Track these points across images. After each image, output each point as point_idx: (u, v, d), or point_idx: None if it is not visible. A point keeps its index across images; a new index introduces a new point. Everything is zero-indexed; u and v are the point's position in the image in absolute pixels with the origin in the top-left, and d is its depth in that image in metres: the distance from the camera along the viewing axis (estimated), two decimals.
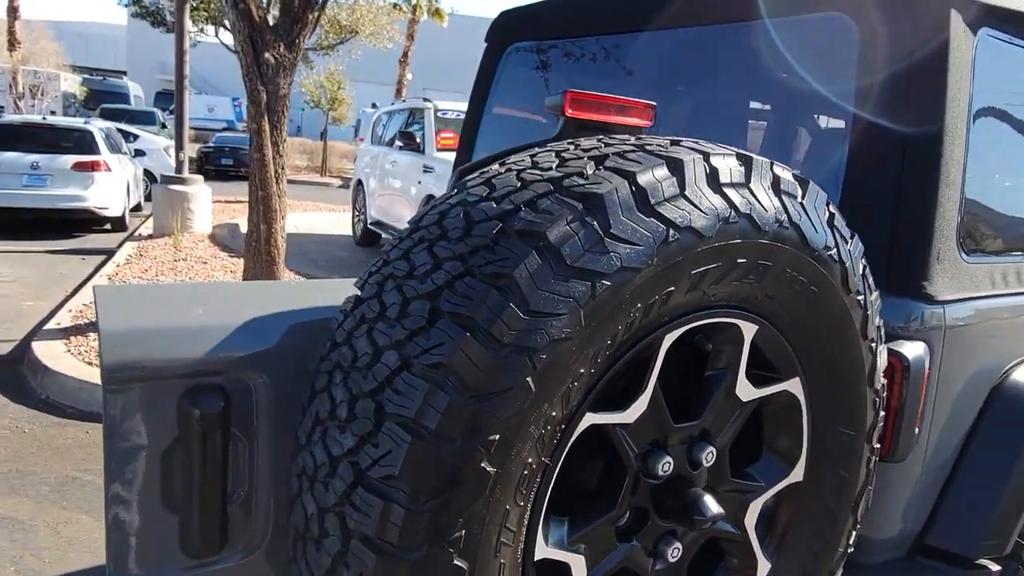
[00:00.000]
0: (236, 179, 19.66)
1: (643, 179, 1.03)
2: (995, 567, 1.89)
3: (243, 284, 1.66)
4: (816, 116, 2.26)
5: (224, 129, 27.62)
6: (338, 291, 1.34)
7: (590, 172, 1.04)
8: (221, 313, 1.22)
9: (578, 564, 1.15)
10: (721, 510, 1.23)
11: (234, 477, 1.18)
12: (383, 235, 10.26)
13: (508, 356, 0.92)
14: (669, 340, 1.15)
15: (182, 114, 10.27)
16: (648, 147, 1.11)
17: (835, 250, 1.27)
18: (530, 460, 0.99)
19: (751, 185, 1.14)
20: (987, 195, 1.83)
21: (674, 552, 1.27)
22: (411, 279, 1.02)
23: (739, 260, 1.13)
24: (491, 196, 1.06)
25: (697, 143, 1.16)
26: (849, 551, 1.53)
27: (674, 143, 1.14)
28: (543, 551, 1.10)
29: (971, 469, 1.96)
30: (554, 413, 1.00)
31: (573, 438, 1.08)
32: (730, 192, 1.10)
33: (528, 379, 0.94)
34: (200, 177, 10.99)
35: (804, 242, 1.21)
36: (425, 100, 9.49)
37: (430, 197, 8.39)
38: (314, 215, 13.61)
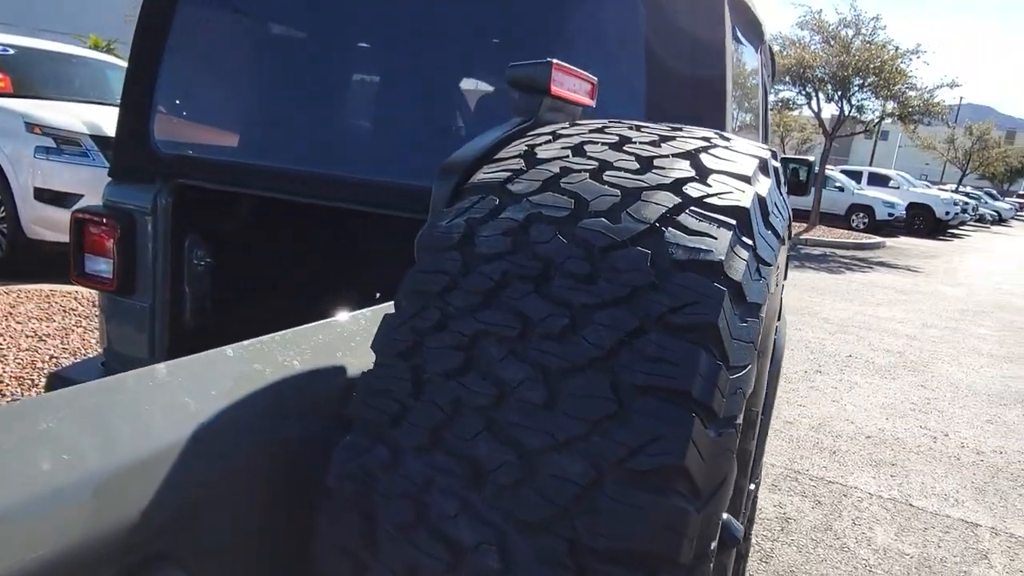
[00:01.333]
0: None
1: (759, 187, 0.86)
2: None
3: (136, 375, 0.90)
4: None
5: None
6: (261, 358, 0.88)
7: (702, 176, 0.83)
8: (137, 428, 0.69)
9: None
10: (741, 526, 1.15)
11: None
12: None
13: (724, 434, 0.69)
14: None
15: None
16: (715, 141, 0.93)
17: None
18: None
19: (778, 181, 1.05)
20: None
21: None
22: (535, 339, 0.69)
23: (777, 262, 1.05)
24: (591, 211, 0.77)
25: (722, 135, 1.02)
26: None
27: (720, 136, 0.98)
28: None
29: None
30: None
31: None
32: (782, 191, 1.00)
33: (735, 455, 0.72)
34: None
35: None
36: None
37: None
38: None
